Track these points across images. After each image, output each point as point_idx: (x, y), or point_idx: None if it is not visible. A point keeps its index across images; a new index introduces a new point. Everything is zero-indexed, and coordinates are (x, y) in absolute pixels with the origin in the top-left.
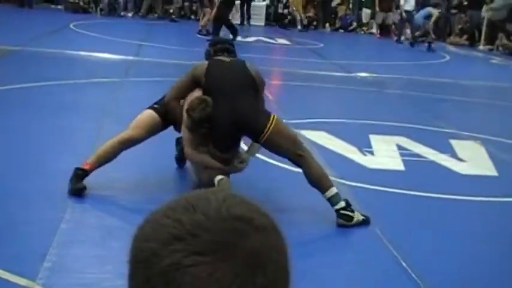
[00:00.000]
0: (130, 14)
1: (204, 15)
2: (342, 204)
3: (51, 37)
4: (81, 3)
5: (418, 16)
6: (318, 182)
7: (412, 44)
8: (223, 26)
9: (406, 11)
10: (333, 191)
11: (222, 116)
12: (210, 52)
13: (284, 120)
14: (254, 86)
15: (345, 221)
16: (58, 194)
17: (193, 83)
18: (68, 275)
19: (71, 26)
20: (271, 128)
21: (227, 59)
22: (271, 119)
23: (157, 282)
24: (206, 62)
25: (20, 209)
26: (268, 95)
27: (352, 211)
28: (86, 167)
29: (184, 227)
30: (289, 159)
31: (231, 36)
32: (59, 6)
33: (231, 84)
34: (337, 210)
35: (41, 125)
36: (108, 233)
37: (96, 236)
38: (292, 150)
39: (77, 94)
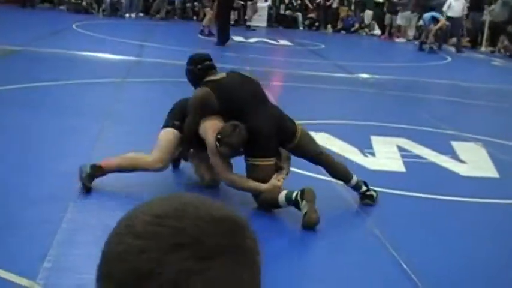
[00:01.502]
0: (133, 15)
1: (205, 15)
2: (364, 188)
3: (53, 37)
4: (84, 3)
5: (427, 16)
6: (343, 175)
7: (431, 49)
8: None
9: (448, 17)
10: (355, 179)
11: (264, 124)
12: (196, 72)
13: None
14: (263, 90)
15: (370, 201)
16: (59, 194)
17: (203, 115)
18: (68, 275)
19: (74, 26)
20: (300, 129)
21: (221, 76)
22: (295, 121)
23: None
24: (205, 89)
25: (20, 209)
26: (270, 96)
27: (369, 190)
28: (104, 168)
29: (184, 232)
30: (311, 159)
31: (215, 40)
32: (61, 7)
33: (252, 98)
34: (361, 193)
35: (42, 125)
36: (108, 233)
37: (97, 236)
38: (314, 149)
39: (79, 94)
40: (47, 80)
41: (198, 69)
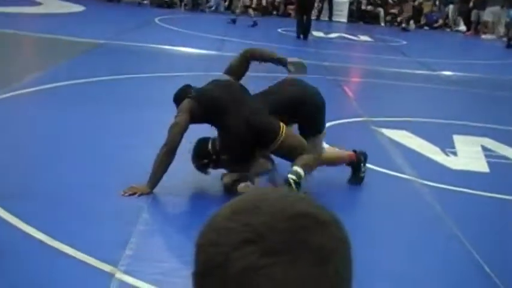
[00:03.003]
0: (213, 9)
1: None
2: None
3: (137, 31)
4: None
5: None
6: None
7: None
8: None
9: None
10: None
11: (239, 126)
12: (180, 99)
13: (363, 118)
14: (243, 91)
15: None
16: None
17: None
18: (148, 263)
19: (156, 20)
20: (283, 132)
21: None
22: (280, 123)
23: (233, 286)
24: (189, 100)
25: (104, 199)
26: (349, 92)
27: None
28: None
29: (253, 228)
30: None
31: (294, 35)
32: (145, 1)
33: (230, 100)
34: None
35: (123, 116)
36: (187, 224)
37: (175, 226)
38: (295, 154)
39: (160, 87)
40: (130, 73)
41: (180, 97)
